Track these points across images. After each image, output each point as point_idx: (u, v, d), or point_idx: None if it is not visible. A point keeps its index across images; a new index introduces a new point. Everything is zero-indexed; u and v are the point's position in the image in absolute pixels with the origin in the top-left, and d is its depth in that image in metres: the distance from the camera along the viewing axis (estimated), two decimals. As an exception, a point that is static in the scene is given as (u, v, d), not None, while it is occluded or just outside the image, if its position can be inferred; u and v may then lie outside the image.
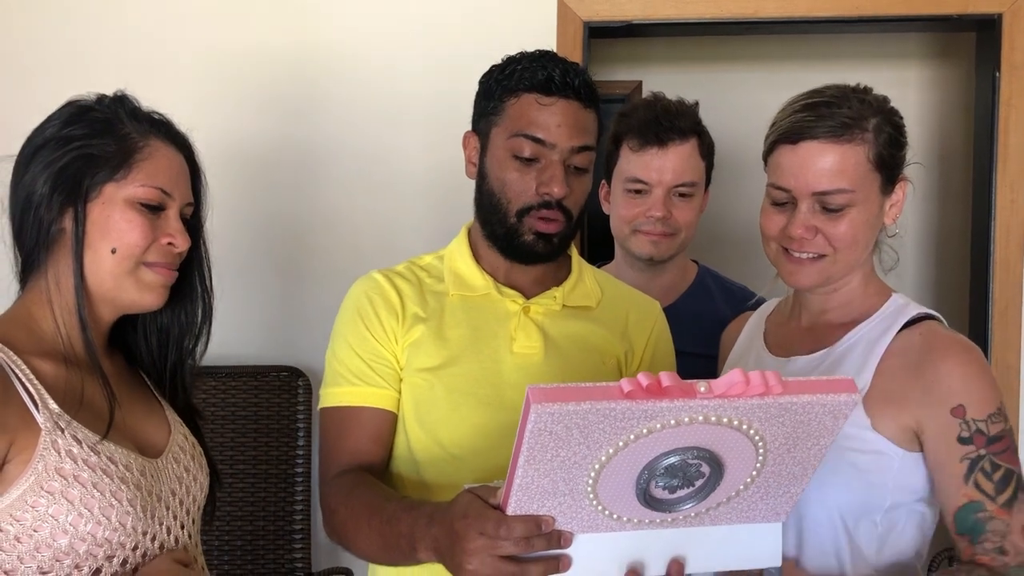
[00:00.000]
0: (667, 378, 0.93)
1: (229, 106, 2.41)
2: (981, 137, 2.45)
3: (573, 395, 0.91)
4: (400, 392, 1.35)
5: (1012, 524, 1.19)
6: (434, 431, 1.32)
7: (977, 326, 2.43)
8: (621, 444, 0.95)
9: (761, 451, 1.01)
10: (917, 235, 3.09)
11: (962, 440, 1.20)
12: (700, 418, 0.95)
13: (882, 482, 1.23)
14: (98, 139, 1.14)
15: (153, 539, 1.13)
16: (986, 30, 2.39)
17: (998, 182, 2.33)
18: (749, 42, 3.06)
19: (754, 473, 1.03)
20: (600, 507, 1.02)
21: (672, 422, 0.94)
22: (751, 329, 1.50)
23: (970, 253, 2.57)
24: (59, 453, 1.06)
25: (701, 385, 0.94)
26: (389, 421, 1.35)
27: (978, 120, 2.51)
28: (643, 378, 0.92)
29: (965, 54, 2.90)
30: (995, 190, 2.33)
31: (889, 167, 1.28)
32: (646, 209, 1.81)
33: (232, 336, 2.33)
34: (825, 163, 1.24)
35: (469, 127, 1.41)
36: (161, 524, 1.15)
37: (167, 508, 1.16)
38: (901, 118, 1.31)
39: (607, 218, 1.92)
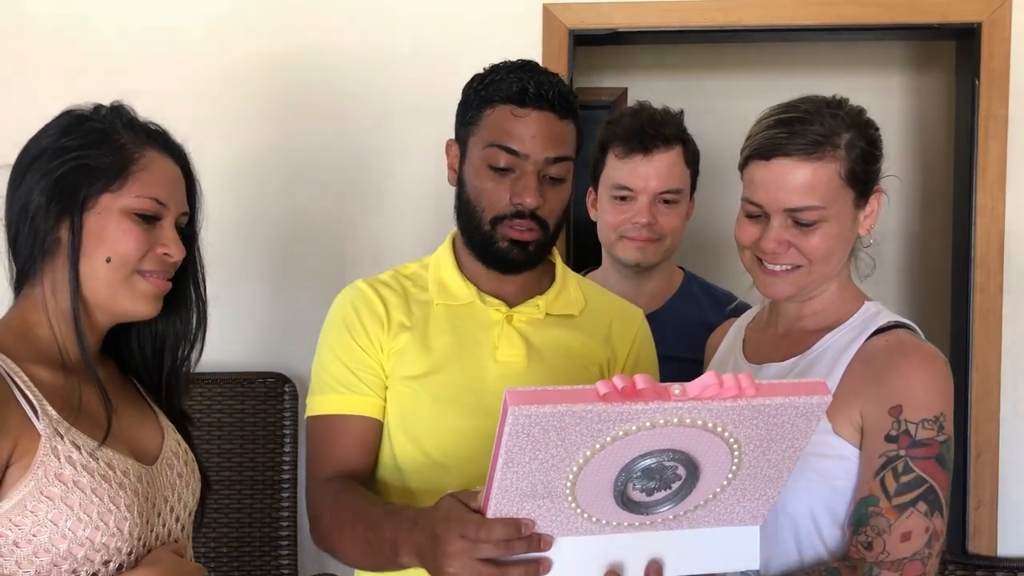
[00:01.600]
0: (642, 380, 0.94)
1: (215, 112, 2.42)
2: (961, 144, 2.48)
3: (550, 398, 0.92)
4: (386, 400, 1.36)
5: (895, 526, 1.18)
6: (418, 439, 1.33)
7: (958, 331, 2.45)
8: (598, 446, 0.97)
9: (736, 453, 1.02)
10: (899, 241, 3.12)
11: (888, 438, 1.21)
12: (675, 420, 0.96)
13: (846, 487, 1.24)
14: (95, 150, 1.14)
15: (151, 544, 1.14)
16: (965, 39, 2.42)
17: (978, 189, 2.34)
18: (733, 50, 3.08)
19: (730, 476, 1.04)
20: (579, 510, 1.03)
21: (647, 424, 0.95)
22: (731, 336, 1.51)
23: (951, 259, 2.59)
24: (59, 459, 1.07)
25: (675, 388, 0.95)
26: (375, 429, 1.36)
27: (958, 127, 2.54)
28: (618, 380, 0.93)
29: (945, 62, 2.93)
30: (975, 197, 2.35)
31: (862, 181, 1.29)
32: (632, 215, 1.83)
33: (219, 342, 2.30)
34: (797, 180, 1.25)
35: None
36: (155, 529, 1.15)
37: (159, 514, 1.17)
38: (876, 130, 1.32)
39: (595, 225, 1.94)
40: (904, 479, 1.19)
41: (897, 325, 1.30)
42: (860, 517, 1.21)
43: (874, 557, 1.19)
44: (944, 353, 1.29)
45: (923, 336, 1.31)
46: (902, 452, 1.19)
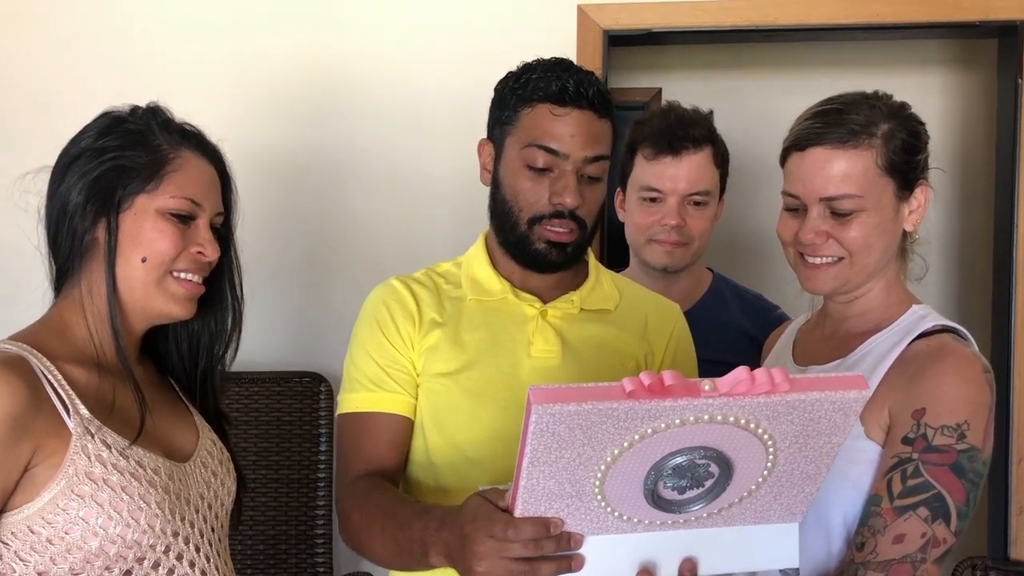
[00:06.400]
0: (670, 377, 0.91)
1: (251, 114, 2.44)
2: (1003, 143, 2.44)
3: (574, 395, 0.89)
4: (416, 398, 1.36)
5: (890, 528, 1.15)
6: (452, 435, 1.33)
7: (1000, 332, 2.41)
8: (626, 444, 0.94)
9: (771, 450, 0.99)
10: (940, 241, 3.06)
11: (905, 440, 1.17)
12: (706, 417, 0.93)
13: None
14: (130, 151, 1.16)
15: (186, 541, 1.15)
16: (1007, 36, 2.38)
17: (1020, 188, 2.31)
18: (768, 49, 3.05)
19: (765, 473, 1.01)
20: (609, 508, 1.01)
21: (677, 422, 0.93)
22: (784, 338, 1.50)
23: (992, 259, 2.55)
24: (89, 458, 1.08)
25: (705, 384, 0.92)
26: (405, 426, 1.36)
27: (1000, 126, 2.50)
28: (645, 377, 0.91)
29: (986, 60, 2.88)
30: (1018, 195, 2.31)
31: (902, 172, 1.27)
32: (660, 217, 1.82)
33: (254, 342, 2.33)
34: (832, 169, 1.25)
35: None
36: (192, 526, 1.16)
37: (196, 511, 1.18)
38: (919, 124, 1.30)
39: (624, 225, 1.94)
40: (911, 482, 1.15)
41: (944, 330, 1.26)
42: (863, 517, 1.19)
43: (862, 557, 1.16)
44: (984, 356, 1.25)
45: (973, 342, 1.26)
46: (915, 455, 1.16)
